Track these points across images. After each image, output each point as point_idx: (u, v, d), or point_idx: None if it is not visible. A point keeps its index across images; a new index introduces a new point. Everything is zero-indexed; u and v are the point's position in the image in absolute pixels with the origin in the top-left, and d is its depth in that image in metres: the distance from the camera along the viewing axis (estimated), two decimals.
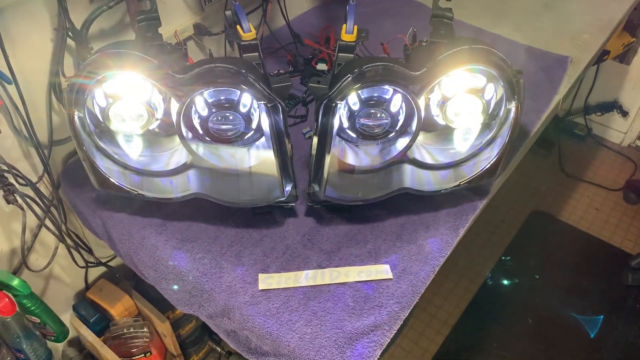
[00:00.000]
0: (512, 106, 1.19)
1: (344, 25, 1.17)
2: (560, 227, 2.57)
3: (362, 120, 1.17)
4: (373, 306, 1.12)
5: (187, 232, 1.25)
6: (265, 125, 1.17)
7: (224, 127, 1.16)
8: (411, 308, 1.14)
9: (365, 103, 1.17)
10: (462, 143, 1.29)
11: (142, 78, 1.10)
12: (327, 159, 1.15)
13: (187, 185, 1.22)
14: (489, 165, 1.25)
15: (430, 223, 1.28)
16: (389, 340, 1.09)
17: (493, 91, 1.20)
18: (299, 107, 1.58)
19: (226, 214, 1.28)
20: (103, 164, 1.20)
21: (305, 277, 1.17)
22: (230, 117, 1.16)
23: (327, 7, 2.04)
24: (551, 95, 1.63)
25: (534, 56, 1.76)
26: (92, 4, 1.28)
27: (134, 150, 1.24)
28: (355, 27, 1.17)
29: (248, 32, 1.15)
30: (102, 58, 1.10)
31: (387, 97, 1.16)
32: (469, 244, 2.45)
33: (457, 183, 1.26)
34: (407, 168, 1.25)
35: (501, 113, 1.23)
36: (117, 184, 1.20)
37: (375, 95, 1.17)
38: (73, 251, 1.52)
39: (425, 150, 1.28)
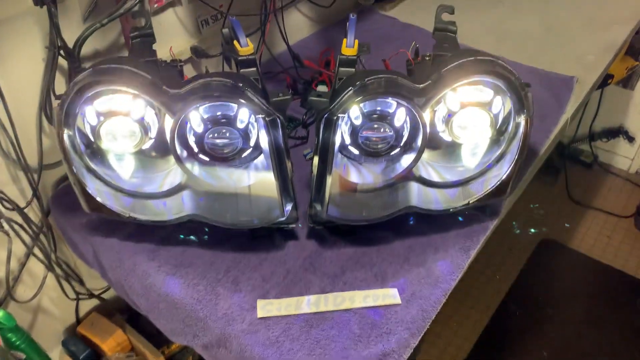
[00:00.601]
0: (522, 120, 1.13)
1: (345, 40, 1.13)
2: (571, 255, 2.49)
3: (365, 133, 1.12)
4: (381, 333, 1.04)
5: (181, 257, 1.18)
6: (264, 142, 1.12)
7: (220, 143, 1.10)
8: (422, 334, 1.06)
9: (367, 117, 1.11)
10: (470, 160, 1.23)
11: (135, 94, 1.06)
12: (329, 176, 1.09)
13: (181, 207, 1.15)
14: (499, 183, 1.19)
15: (439, 244, 1.21)
16: None
17: (501, 105, 1.15)
18: (299, 129, 1.53)
19: (223, 237, 1.21)
20: (94, 185, 1.14)
21: (307, 304, 1.09)
22: (227, 134, 1.10)
23: (327, 32, 2.02)
24: (558, 114, 1.58)
25: (539, 77, 1.72)
26: (85, 22, 1.24)
27: (126, 172, 1.18)
28: (357, 41, 1.13)
29: (245, 46, 1.11)
30: (93, 74, 1.05)
31: (391, 111, 1.11)
32: (477, 274, 2.36)
33: (467, 202, 1.20)
34: (413, 186, 1.19)
35: (510, 128, 1.18)
36: (109, 207, 1.14)
37: (378, 109, 1.11)
38: (63, 282, 1.45)
39: (431, 168, 1.22)
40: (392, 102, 1.10)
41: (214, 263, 1.17)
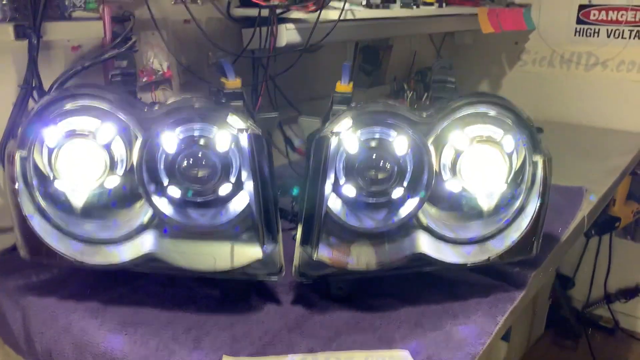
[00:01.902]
0: (538, 159, 1.01)
1: (338, 82, 1.06)
2: None
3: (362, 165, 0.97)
4: None
5: (131, 317, 0.93)
6: (246, 177, 0.97)
7: (193, 170, 0.95)
8: None
9: (365, 144, 0.98)
10: (484, 216, 1.06)
11: (105, 109, 0.95)
12: (323, 199, 0.91)
13: (139, 248, 0.94)
14: (521, 237, 1.00)
15: (458, 312, 0.97)
16: None
17: (513, 144, 1.02)
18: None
19: (186, 298, 0.98)
20: (39, 225, 0.95)
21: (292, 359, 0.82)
22: (203, 159, 0.95)
23: None
24: (574, 210, 1.44)
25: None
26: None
27: (80, 217, 1.00)
28: (351, 82, 1.07)
29: (233, 80, 1.04)
30: (60, 92, 0.96)
31: (391, 139, 0.98)
32: None
33: (486, 257, 1.00)
34: (422, 235, 1.00)
35: (526, 176, 1.04)
36: (54, 248, 0.93)
37: (377, 136, 0.99)
38: None
39: (443, 224, 1.05)
40: (392, 131, 0.98)
41: (172, 323, 0.91)
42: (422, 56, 2.42)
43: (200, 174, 0.95)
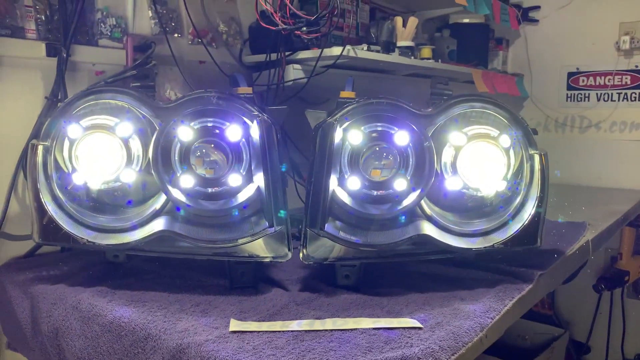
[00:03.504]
0: (535, 154, 1.06)
1: (341, 91, 1.14)
2: None
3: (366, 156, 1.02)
4: (400, 345, 0.75)
5: (139, 296, 0.93)
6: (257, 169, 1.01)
7: (208, 158, 1.00)
8: (454, 355, 0.75)
9: (368, 136, 1.03)
10: (487, 212, 1.09)
11: (125, 105, 1.02)
12: (329, 182, 0.95)
13: (150, 230, 0.97)
14: (524, 226, 1.03)
15: (466, 296, 0.97)
16: None
17: (509, 141, 1.07)
18: None
19: (196, 286, 0.99)
20: (54, 210, 0.98)
21: (298, 324, 0.81)
22: (216, 150, 1.01)
23: None
24: (577, 236, 1.45)
25: (554, 224, 1.64)
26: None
27: (94, 212, 1.04)
28: (354, 92, 1.15)
29: (245, 87, 1.12)
30: (84, 92, 1.04)
31: (393, 132, 1.04)
32: None
33: (491, 244, 1.02)
34: (427, 224, 1.02)
35: (524, 173, 1.08)
36: (68, 231, 0.96)
37: (379, 129, 1.04)
38: None
39: (446, 220, 1.07)
40: (394, 124, 1.04)
41: (180, 301, 0.92)
42: None
43: (213, 160, 1.00)
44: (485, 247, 1.01)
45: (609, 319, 2.42)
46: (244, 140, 1.02)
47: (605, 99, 2.39)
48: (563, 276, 1.26)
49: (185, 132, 1.00)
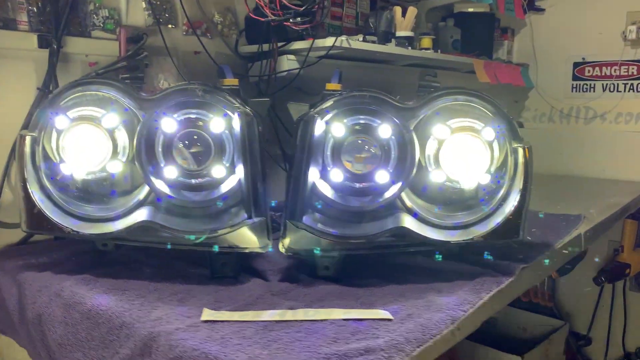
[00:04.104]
0: (518, 147, 1.05)
1: (327, 83, 1.15)
2: None
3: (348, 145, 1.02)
4: (366, 336, 0.76)
5: (120, 285, 0.95)
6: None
7: (190, 149, 1.01)
8: (423, 347, 0.76)
9: (351, 129, 1.04)
10: (469, 205, 1.09)
11: (110, 96, 1.04)
12: (308, 174, 0.96)
13: (133, 220, 0.99)
14: (505, 219, 1.03)
15: (443, 289, 0.97)
16: None
17: (493, 134, 1.07)
18: None
19: (177, 275, 1.00)
20: (41, 199, 1.01)
21: (270, 314, 0.83)
22: (199, 141, 1.02)
23: None
24: (570, 230, 1.44)
25: (551, 216, 1.63)
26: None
27: (80, 201, 1.06)
28: (340, 84, 1.15)
29: (230, 79, 1.13)
30: (71, 83, 1.06)
31: (375, 125, 1.04)
32: None
33: (471, 237, 1.02)
34: (407, 216, 1.03)
35: (508, 166, 1.08)
36: (53, 220, 0.98)
37: (362, 121, 1.05)
38: None
39: (428, 213, 1.08)
40: (377, 117, 1.05)
41: (159, 290, 0.94)
42: None
43: (195, 152, 1.01)
44: (464, 240, 1.01)
45: (610, 311, 2.41)
46: (227, 132, 1.04)
47: (611, 89, 2.35)
48: (551, 269, 1.26)
49: (168, 124, 1.01)
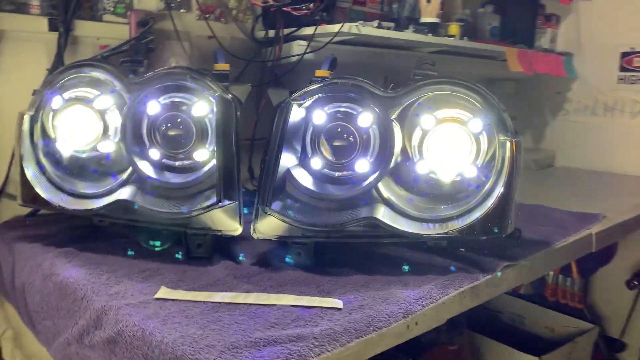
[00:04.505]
0: (506, 140, 1.01)
1: (317, 70, 1.14)
2: None
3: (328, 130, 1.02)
4: (304, 324, 0.77)
5: (98, 260, 1.00)
6: None
7: (173, 131, 1.04)
8: (360, 339, 0.76)
9: (331, 117, 1.03)
10: (452, 198, 1.07)
11: (99, 74, 1.08)
12: (279, 160, 0.97)
13: (115, 196, 1.03)
14: (485, 215, 0.99)
15: (411, 282, 0.96)
16: (314, 357, 0.70)
17: (481, 126, 1.03)
18: None
19: (153, 254, 1.04)
20: (35, 175, 1.07)
21: (222, 296, 0.85)
22: (181, 124, 1.05)
23: None
24: (580, 228, 1.37)
25: (569, 214, 1.55)
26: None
27: (73, 177, 1.11)
28: (330, 71, 1.14)
29: (222, 64, 1.15)
30: (67, 65, 1.11)
31: (355, 113, 1.03)
32: None
33: (446, 231, 0.99)
34: (382, 207, 1.01)
35: (496, 160, 1.04)
36: (42, 196, 1.04)
37: (342, 109, 1.04)
38: None
39: (410, 204, 1.06)
40: (358, 105, 1.04)
41: (132, 266, 0.98)
42: None
43: (176, 135, 1.04)
44: (437, 234, 0.99)
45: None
46: (210, 116, 1.06)
47: None
48: (545, 269, 1.21)
49: (152, 107, 1.04)
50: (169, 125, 1.05)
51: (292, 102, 0.99)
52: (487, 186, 1.03)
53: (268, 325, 0.76)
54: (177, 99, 1.07)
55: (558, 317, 2.31)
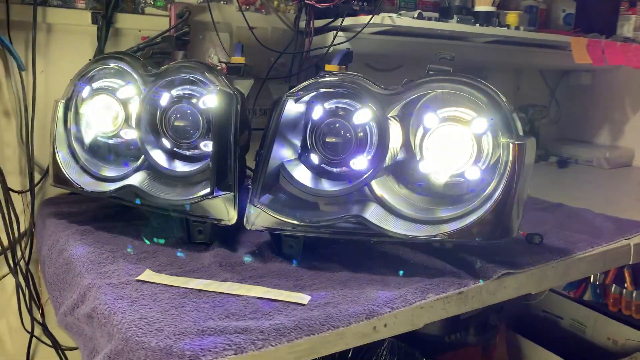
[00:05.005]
0: (509, 141, 0.96)
1: (326, 65, 1.15)
2: None
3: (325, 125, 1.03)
4: (259, 317, 0.79)
5: (107, 239, 1.08)
6: None
7: (181, 123, 1.10)
8: (312, 336, 0.77)
9: (329, 113, 1.04)
10: (452, 201, 1.03)
11: (121, 67, 1.16)
12: (270, 155, 0.99)
13: (126, 182, 1.11)
14: (480, 219, 0.96)
15: (392, 283, 0.95)
16: (255, 351, 0.72)
17: (485, 126, 0.99)
18: None
19: (164, 237, 1.11)
20: (65, 158, 1.17)
21: (197, 283, 0.89)
22: (189, 115, 1.10)
23: None
24: (615, 237, 1.27)
25: (609, 219, 1.44)
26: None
27: (100, 161, 1.21)
28: (339, 66, 1.14)
29: (238, 57, 1.19)
30: (95, 60, 1.20)
31: (354, 109, 1.03)
32: None
33: (435, 234, 0.97)
34: (373, 206, 1.01)
35: (499, 163, 1.00)
36: (68, 177, 1.14)
37: (341, 105, 1.04)
38: (23, 309, 1.38)
39: (405, 202, 1.04)
40: (356, 102, 1.03)
41: (135, 247, 1.05)
42: (528, 94, 2.34)
43: (184, 125, 1.10)
44: (425, 237, 0.96)
45: None
46: None
47: None
48: (559, 280, 1.13)
49: (164, 99, 1.11)
50: (178, 116, 1.11)
51: (287, 97, 1.01)
52: (488, 190, 0.99)
53: (224, 315, 0.79)
54: (187, 92, 1.12)
55: (622, 328, 2.15)
